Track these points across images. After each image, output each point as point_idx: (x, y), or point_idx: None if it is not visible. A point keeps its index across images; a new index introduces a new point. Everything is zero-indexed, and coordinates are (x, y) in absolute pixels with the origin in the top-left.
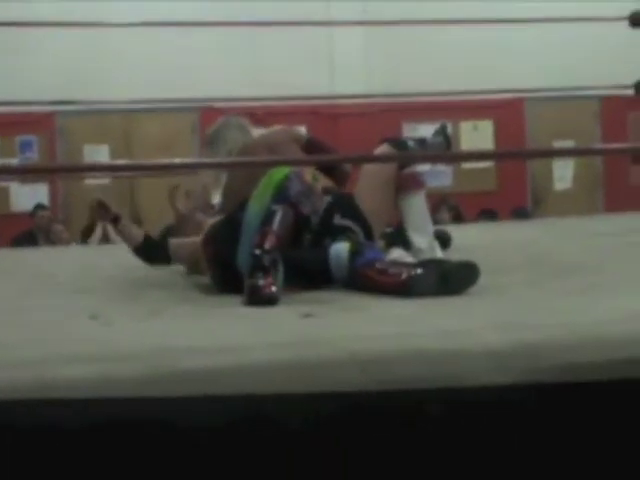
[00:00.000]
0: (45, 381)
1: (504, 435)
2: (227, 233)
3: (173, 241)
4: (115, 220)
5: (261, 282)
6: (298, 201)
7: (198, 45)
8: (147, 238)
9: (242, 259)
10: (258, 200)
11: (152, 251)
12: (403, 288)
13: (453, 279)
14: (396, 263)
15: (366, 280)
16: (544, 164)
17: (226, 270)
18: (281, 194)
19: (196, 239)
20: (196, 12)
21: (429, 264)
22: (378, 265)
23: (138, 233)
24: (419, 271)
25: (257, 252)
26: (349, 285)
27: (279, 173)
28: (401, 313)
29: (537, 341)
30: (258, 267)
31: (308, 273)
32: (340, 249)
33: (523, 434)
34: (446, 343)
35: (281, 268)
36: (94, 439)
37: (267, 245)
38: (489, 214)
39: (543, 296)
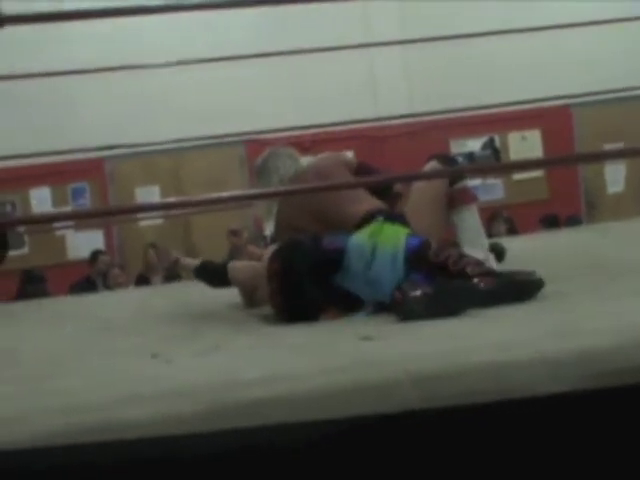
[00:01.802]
0: (112, 423)
1: (566, 443)
2: (297, 260)
3: (231, 264)
4: (176, 262)
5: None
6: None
7: (240, 79)
8: (205, 261)
9: (349, 282)
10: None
11: (212, 272)
12: (397, 310)
13: (443, 303)
14: (418, 285)
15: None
16: (595, 169)
17: (294, 298)
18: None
19: (254, 263)
20: (237, 46)
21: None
22: (405, 286)
23: (196, 261)
24: (412, 294)
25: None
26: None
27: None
28: (456, 329)
29: (593, 347)
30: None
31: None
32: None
33: (584, 441)
34: (500, 355)
35: None
36: (165, 476)
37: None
38: (550, 220)
39: (600, 301)
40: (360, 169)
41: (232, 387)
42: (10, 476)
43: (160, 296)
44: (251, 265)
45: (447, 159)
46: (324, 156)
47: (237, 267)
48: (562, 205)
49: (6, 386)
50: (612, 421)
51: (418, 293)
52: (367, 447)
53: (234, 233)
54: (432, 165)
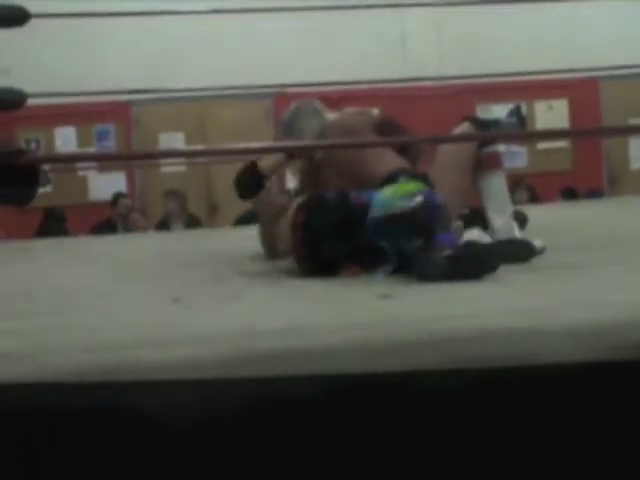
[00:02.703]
0: (129, 364)
1: (582, 412)
2: (322, 213)
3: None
4: None
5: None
6: (439, 218)
7: (270, 31)
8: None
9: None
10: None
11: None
12: (417, 271)
13: (465, 267)
14: (442, 246)
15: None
16: (620, 143)
17: (316, 250)
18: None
19: (282, 202)
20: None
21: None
22: (432, 246)
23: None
24: (435, 256)
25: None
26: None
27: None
28: (477, 293)
29: (614, 319)
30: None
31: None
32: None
33: (601, 411)
34: (522, 321)
35: None
36: (177, 420)
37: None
38: (570, 193)
39: (621, 274)
40: (383, 125)
41: (251, 336)
42: (24, 411)
43: (181, 242)
44: (279, 204)
45: (480, 122)
46: (349, 112)
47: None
48: (585, 177)
49: (22, 321)
50: (628, 394)
51: (440, 255)
52: (384, 404)
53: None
54: (465, 127)
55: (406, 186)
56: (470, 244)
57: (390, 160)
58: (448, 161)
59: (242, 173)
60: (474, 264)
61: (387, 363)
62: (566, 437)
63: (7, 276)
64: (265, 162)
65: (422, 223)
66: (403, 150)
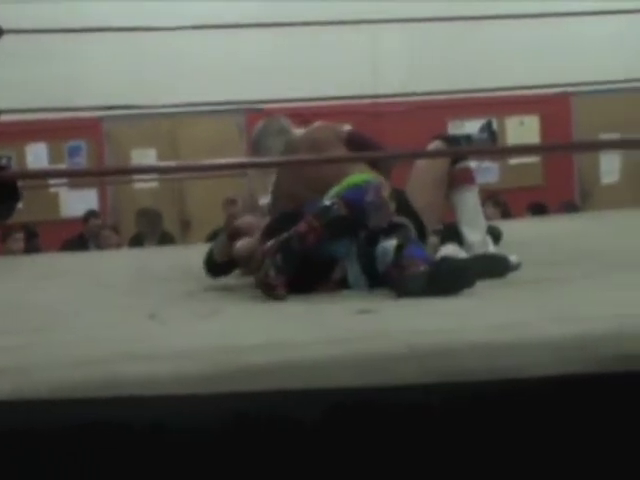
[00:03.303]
0: (108, 379)
1: (564, 425)
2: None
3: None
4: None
5: (275, 281)
6: (367, 210)
7: (242, 48)
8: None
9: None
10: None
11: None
12: (395, 287)
13: (442, 282)
14: (416, 262)
15: (389, 276)
16: (591, 159)
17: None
18: (354, 193)
19: (250, 240)
20: (242, 15)
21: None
22: (402, 262)
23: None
24: (410, 271)
25: (293, 237)
26: (383, 282)
27: (359, 177)
28: (457, 307)
29: (594, 332)
30: (285, 252)
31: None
32: (387, 247)
33: (583, 424)
34: (504, 335)
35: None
36: (156, 436)
37: (307, 241)
38: (538, 208)
39: (597, 289)
40: (353, 139)
41: (231, 351)
42: (3, 429)
43: (154, 258)
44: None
45: (451, 140)
46: (317, 126)
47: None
48: (556, 193)
49: (2, 338)
50: (612, 405)
51: (416, 270)
52: (366, 418)
53: (231, 202)
54: (436, 145)
55: (353, 178)
56: (446, 259)
57: (361, 173)
58: (422, 178)
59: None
60: (451, 279)
61: (368, 377)
62: (547, 449)
63: None
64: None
65: (341, 222)
66: (374, 165)
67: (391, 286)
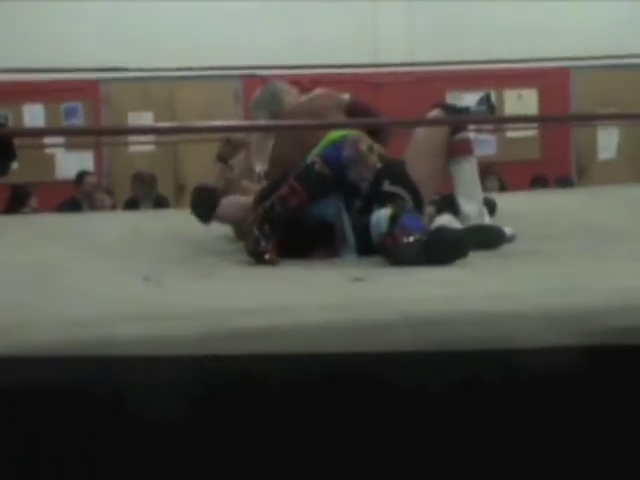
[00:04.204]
0: (103, 339)
1: (557, 397)
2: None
3: (223, 200)
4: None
5: (266, 246)
6: (346, 165)
7: (242, 13)
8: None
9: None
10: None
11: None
12: (389, 255)
13: (436, 252)
14: (411, 231)
15: (383, 246)
16: (588, 134)
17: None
18: (332, 150)
19: (244, 199)
20: None
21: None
22: (397, 232)
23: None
24: (405, 240)
25: (275, 202)
26: (378, 251)
27: (337, 134)
28: (452, 277)
29: (587, 305)
30: (269, 218)
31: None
32: (381, 216)
33: (576, 396)
34: (498, 305)
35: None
36: (148, 396)
37: (290, 204)
38: (539, 182)
39: (593, 261)
40: (353, 108)
41: (225, 314)
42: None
43: (149, 221)
44: (241, 201)
45: (451, 108)
46: (317, 94)
47: (229, 201)
48: (552, 167)
49: None
50: (606, 378)
51: (410, 240)
52: (358, 385)
53: (226, 142)
54: (435, 113)
55: (331, 136)
56: (441, 229)
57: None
58: (421, 147)
59: (194, 199)
60: (445, 249)
61: (361, 344)
62: (540, 421)
63: None
64: (211, 178)
65: (322, 180)
66: (373, 133)
67: (385, 255)
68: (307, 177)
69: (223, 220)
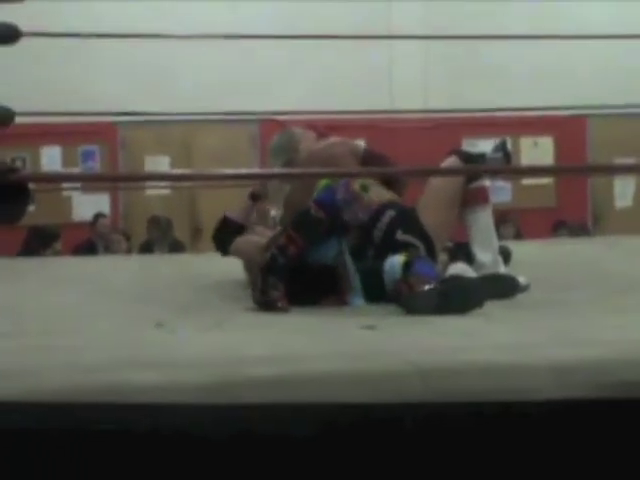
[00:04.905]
0: (114, 386)
1: (565, 448)
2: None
3: (238, 238)
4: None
5: (275, 294)
6: (340, 207)
7: (258, 58)
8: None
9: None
10: None
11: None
12: (404, 304)
13: (453, 301)
14: (426, 279)
15: (397, 293)
16: (605, 182)
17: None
18: (326, 194)
19: (259, 239)
20: (259, 25)
21: (449, 282)
22: (412, 279)
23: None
24: (422, 289)
25: (276, 253)
26: (393, 298)
27: (326, 180)
28: (464, 327)
29: (599, 357)
30: (273, 269)
31: (365, 286)
32: (394, 263)
33: (584, 448)
34: (508, 357)
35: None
36: (159, 443)
37: (289, 252)
38: (562, 227)
39: (605, 313)
40: (367, 157)
41: (237, 363)
42: (8, 430)
43: (164, 265)
44: (254, 241)
45: (467, 156)
46: (332, 142)
47: (245, 240)
48: (569, 215)
49: (10, 341)
50: (614, 430)
51: (426, 288)
52: (369, 435)
53: (254, 197)
54: (452, 161)
55: (324, 181)
56: (456, 278)
57: (377, 193)
58: (436, 195)
59: (217, 232)
60: (462, 298)
61: (373, 394)
62: (546, 473)
63: None
64: (233, 213)
65: (317, 225)
66: (389, 183)
67: (399, 302)
68: (303, 224)
69: (237, 255)
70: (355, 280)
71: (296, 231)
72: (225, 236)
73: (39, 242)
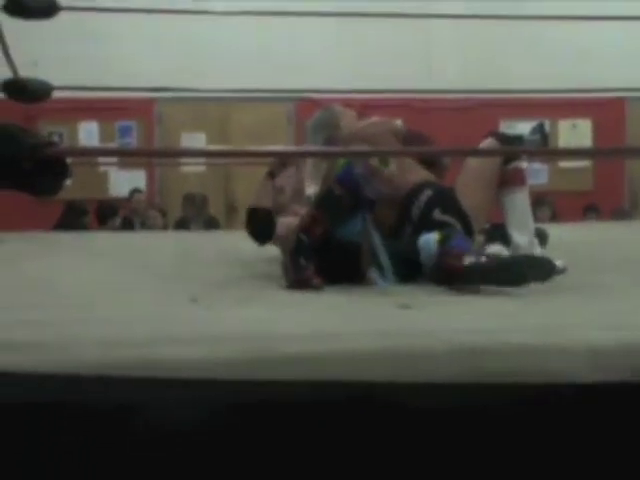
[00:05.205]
0: (149, 360)
1: (599, 434)
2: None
3: (281, 219)
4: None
5: (307, 273)
6: (360, 182)
7: (295, 36)
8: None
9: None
10: None
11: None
12: (460, 274)
13: (515, 272)
14: (464, 254)
15: (443, 267)
16: None
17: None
18: (345, 171)
19: (293, 219)
20: (298, 3)
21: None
22: (455, 252)
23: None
24: (481, 259)
25: (303, 237)
26: (433, 276)
27: (343, 160)
28: (500, 308)
29: (638, 340)
30: (300, 251)
31: (403, 264)
32: (430, 238)
33: (621, 432)
34: (547, 338)
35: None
36: (194, 419)
37: (315, 232)
38: (593, 211)
39: None
40: (409, 138)
41: (271, 339)
42: (43, 402)
43: (199, 242)
44: (287, 222)
45: (505, 138)
46: (373, 122)
47: (285, 221)
48: (605, 198)
49: (44, 312)
50: None
51: (467, 262)
52: (403, 414)
53: (279, 190)
54: (489, 143)
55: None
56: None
57: (415, 172)
58: (473, 176)
59: (250, 220)
60: (509, 273)
61: (407, 373)
62: (580, 457)
63: (30, 267)
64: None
65: (338, 203)
66: (430, 164)
67: (437, 277)
68: (325, 203)
69: (279, 240)
70: (382, 257)
71: (319, 211)
72: (257, 226)
73: (72, 217)
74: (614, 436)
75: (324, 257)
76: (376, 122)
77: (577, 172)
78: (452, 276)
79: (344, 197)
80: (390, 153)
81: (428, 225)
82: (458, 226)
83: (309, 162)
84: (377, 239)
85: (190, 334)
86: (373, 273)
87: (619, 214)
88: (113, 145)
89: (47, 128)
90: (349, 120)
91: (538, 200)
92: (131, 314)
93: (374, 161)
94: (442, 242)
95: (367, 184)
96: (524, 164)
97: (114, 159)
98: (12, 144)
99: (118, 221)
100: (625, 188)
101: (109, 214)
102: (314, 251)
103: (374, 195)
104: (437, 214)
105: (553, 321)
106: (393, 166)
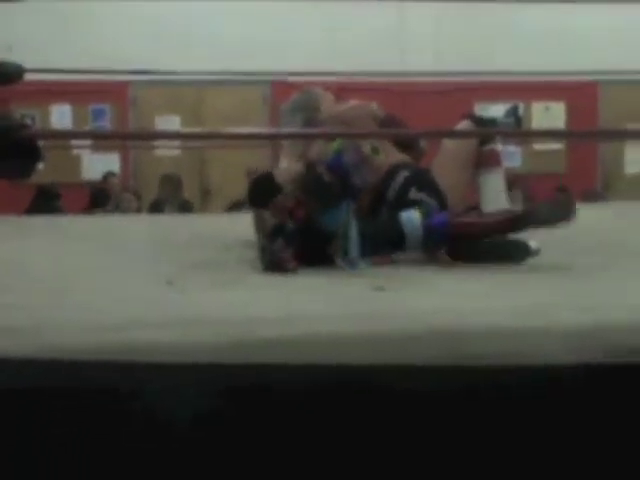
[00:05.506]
0: (124, 344)
1: (574, 414)
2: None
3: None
4: None
5: (283, 256)
6: (349, 170)
7: (270, 18)
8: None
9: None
10: None
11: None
12: (520, 221)
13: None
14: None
15: (464, 228)
16: (615, 148)
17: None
18: (335, 158)
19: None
20: None
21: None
22: (465, 217)
23: None
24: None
25: (284, 219)
26: (426, 245)
27: (336, 143)
28: (474, 289)
29: (610, 322)
30: (280, 233)
31: (383, 242)
32: (411, 214)
33: (593, 414)
34: (520, 320)
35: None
36: (171, 403)
37: (298, 215)
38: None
39: (616, 279)
40: (386, 122)
41: (248, 323)
42: (20, 387)
43: (174, 225)
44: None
45: (480, 120)
46: (351, 105)
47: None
48: (578, 181)
49: (19, 296)
50: (625, 396)
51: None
52: (380, 397)
53: (253, 174)
54: (465, 125)
55: (335, 144)
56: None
57: (392, 155)
58: (449, 157)
59: (257, 182)
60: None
61: (382, 356)
62: (555, 438)
63: (1, 250)
64: (282, 176)
65: (326, 189)
66: (406, 148)
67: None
68: (313, 188)
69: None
70: (355, 245)
71: (306, 195)
72: (257, 188)
73: (44, 201)
74: (588, 417)
75: (304, 242)
76: (355, 106)
77: (550, 155)
78: (500, 229)
79: (334, 184)
80: (368, 135)
81: (404, 204)
82: (433, 203)
83: (285, 143)
84: (354, 229)
85: (165, 318)
86: (342, 262)
87: (590, 196)
88: (86, 128)
89: (19, 111)
90: (328, 103)
91: (511, 182)
92: (106, 298)
93: (366, 149)
94: (425, 215)
95: (357, 172)
96: (499, 146)
97: (87, 142)
98: None
99: (110, 208)
100: (598, 170)
101: (102, 200)
102: (295, 234)
103: (362, 184)
104: (413, 193)
105: (528, 302)
106: (383, 155)
